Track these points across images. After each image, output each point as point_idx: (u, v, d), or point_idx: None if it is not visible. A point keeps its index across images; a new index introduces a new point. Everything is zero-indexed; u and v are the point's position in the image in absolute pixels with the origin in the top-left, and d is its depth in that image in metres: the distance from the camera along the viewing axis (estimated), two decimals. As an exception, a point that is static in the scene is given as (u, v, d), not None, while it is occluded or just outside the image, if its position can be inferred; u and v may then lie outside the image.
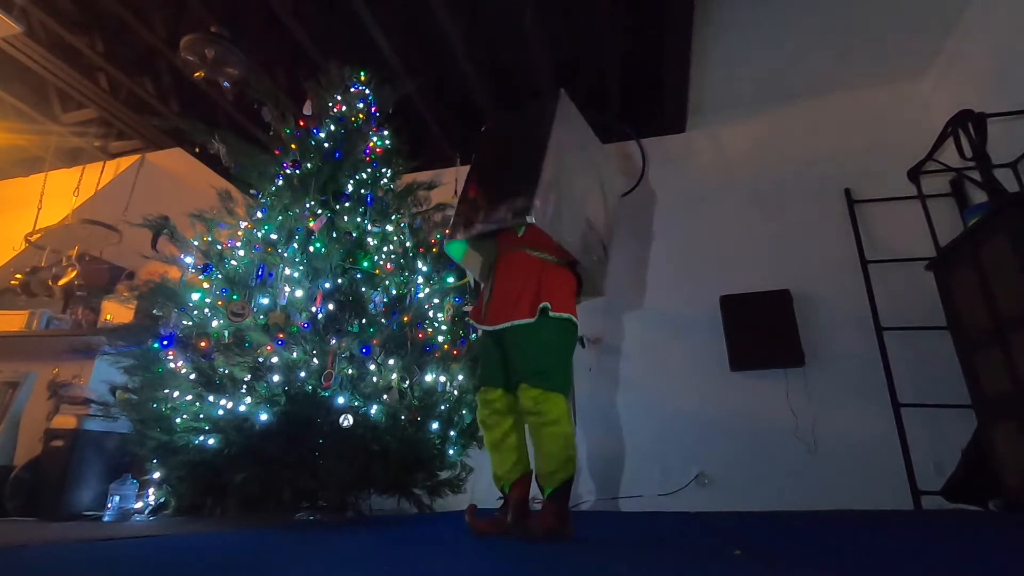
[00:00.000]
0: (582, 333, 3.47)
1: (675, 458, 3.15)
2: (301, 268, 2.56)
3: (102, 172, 4.37)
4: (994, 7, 2.90)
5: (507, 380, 1.93)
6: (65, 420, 2.80)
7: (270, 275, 2.56)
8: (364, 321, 2.54)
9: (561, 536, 1.64)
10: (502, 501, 1.92)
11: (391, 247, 2.86)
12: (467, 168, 4.13)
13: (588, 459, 3.26)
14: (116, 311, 3.38)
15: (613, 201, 2.49)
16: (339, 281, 2.59)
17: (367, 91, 3.17)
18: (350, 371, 2.42)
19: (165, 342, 2.43)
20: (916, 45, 3.33)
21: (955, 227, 2.95)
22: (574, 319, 1.92)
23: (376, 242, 2.82)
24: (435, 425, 2.65)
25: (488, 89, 3.67)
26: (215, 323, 2.47)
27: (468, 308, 2.89)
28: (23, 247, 3.96)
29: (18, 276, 3.74)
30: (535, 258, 1.97)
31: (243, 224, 2.77)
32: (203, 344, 2.41)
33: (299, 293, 2.50)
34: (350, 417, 2.26)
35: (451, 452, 2.77)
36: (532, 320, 1.83)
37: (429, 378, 2.67)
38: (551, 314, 1.84)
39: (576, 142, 2.26)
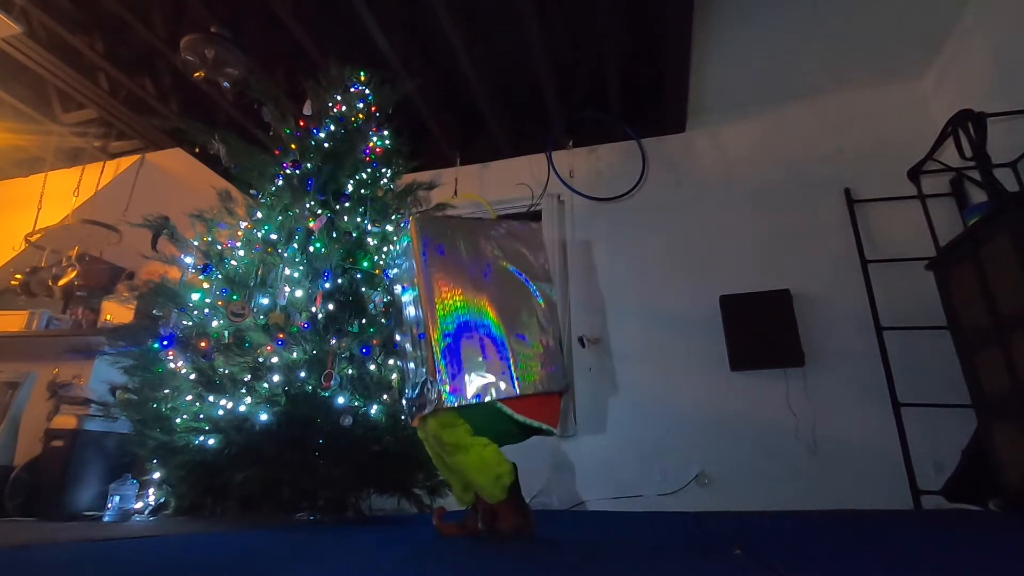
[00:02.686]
0: (581, 333, 3.50)
1: (675, 458, 3.15)
2: (301, 268, 2.56)
3: (102, 172, 4.37)
4: (993, 7, 2.90)
5: None
6: (65, 420, 2.80)
7: (270, 275, 2.56)
8: (364, 321, 2.54)
9: (527, 529, 1.64)
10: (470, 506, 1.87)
11: (391, 247, 2.86)
12: (467, 168, 4.21)
13: (588, 459, 3.27)
14: (116, 311, 3.38)
15: (544, 285, 1.93)
16: (339, 281, 2.59)
17: (367, 91, 3.16)
18: (350, 371, 2.42)
19: (165, 342, 2.43)
20: (916, 45, 3.33)
21: (955, 227, 2.95)
22: (532, 422, 1.69)
23: (376, 242, 2.82)
24: (435, 425, 2.64)
25: (488, 89, 3.67)
26: (215, 323, 2.47)
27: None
28: (23, 247, 3.96)
29: (18, 276, 3.74)
30: None
31: (243, 224, 2.76)
32: (203, 344, 2.40)
33: (299, 293, 2.50)
34: (350, 417, 2.26)
35: (451, 452, 2.77)
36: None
37: (429, 378, 2.66)
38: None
39: (477, 261, 1.82)
